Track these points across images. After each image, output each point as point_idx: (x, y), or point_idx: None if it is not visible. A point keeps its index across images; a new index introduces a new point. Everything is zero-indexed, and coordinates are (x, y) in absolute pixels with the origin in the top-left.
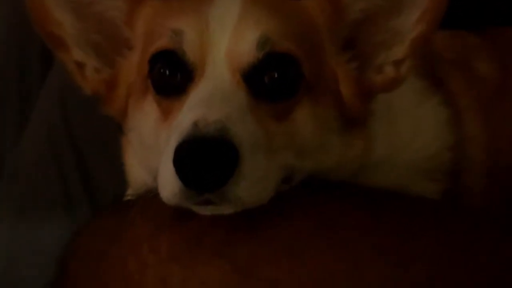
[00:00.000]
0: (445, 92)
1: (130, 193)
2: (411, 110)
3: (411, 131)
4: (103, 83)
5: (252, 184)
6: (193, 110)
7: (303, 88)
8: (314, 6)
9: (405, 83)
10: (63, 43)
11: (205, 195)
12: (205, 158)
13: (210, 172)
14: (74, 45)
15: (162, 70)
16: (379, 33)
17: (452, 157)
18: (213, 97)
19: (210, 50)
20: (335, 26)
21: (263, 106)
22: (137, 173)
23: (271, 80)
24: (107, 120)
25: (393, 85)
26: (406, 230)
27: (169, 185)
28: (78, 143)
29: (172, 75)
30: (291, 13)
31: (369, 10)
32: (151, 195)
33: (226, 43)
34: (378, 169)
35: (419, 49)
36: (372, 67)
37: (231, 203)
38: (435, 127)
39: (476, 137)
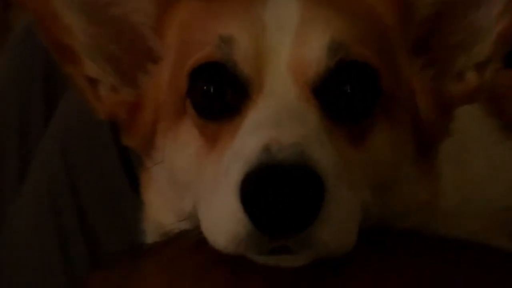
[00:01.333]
0: None
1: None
2: (486, 152)
3: (486, 177)
4: (122, 105)
5: (339, 225)
6: (259, 132)
7: (380, 105)
8: (380, 1)
9: (478, 121)
10: (73, 54)
11: (282, 240)
12: (284, 191)
13: (291, 210)
14: (86, 56)
15: (206, 87)
16: (456, 32)
17: None
18: (281, 116)
19: (269, 59)
20: (406, 25)
21: (338, 128)
22: (160, 216)
23: (346, 95)
24: (111, 170)
25: (476, 95)
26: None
27: (228, 229)
28: (79, 195)
29: (219, 92)
30: (360, 13)
31: (443, 3)
32: (166, 239)
33: (289, 50)
34: (448, 221)
35: (506, 47)
36: (450, 74)
37: (313, 250)
38: (510, 174)
39: None
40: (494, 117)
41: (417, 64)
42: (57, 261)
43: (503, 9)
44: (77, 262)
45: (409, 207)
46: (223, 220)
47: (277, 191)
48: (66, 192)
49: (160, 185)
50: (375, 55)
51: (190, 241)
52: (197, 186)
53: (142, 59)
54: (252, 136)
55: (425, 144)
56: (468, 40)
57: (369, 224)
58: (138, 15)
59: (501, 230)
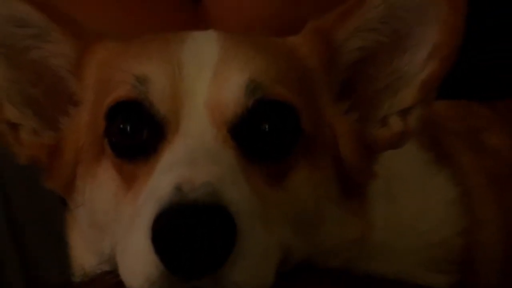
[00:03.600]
0: (453, 167)
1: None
2: (415, 188)
3: (414, 212)
4: (43, 149)
5: (253, 265)
6: (172, 171)
7: (300, 145)
8: (303, 44)
9: (408, 155)
10: None
11: (194, 282)
12: (195, 231)
13: (202, 250)
14: (5, 100)
15: (122, 126)
16: (382, 77)
17: (463, 244)
18: (195, 156)
19: (185, 99)
20: (329, 68)
21: (255, 168)
22: (83, 258)
23: (263, 135)
24: (50, 195)
25: (400, 141)
26: None
27: (141, 271)
28: (16, 220)
29: (136, 132)
30: (280, 53)
31: (368, 48)
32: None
33: (206, 90)
34: (377, 256)
35: (430, 94)
36: (374, 119)
37: None
38: (442, 207)
39: (490, 221)
40: (427, 149)
41: (341, 107)
42: None
43: (427, 56)
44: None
45: (337, 246)
46: (136, 261)
47: (188, 231)
48: (3, 219)
49: (82, 227)
50: (295, 95)
51: (109, 283)
52: (115, 228)
53: (63, 102)
54: (165, 176)
55: (351, 184)
56: (393, 85)
57: (293, 264)
58: (57, 59)
59: (430, 266)
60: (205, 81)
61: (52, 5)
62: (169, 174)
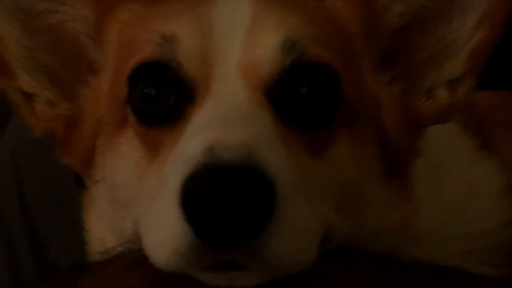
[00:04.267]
0: (498, 156)
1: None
2: (461, 173)
3: (461, 199)
4: (59, 121)
5: (294, 237)
6: (203, 134)
7: (342, 114)
8: (343, 7)
9: (455, 139)
10: (5, 67)
11: (227, 253)
12: (229, 194)
13: (237, 215)
14: (20, 69)
15: (146, 90)
16: (427, 46)
17: None
18: (228, 118)
19: (216, 59)
20: (371, 34)
21: (293, 134)
22: (102, 240)
23: (301, 99)
24: (61, 177)
25: (447, 114)
26: None
27: (169, 243)
28: (29, 210)
29: (162, 96)
30: (318, 14)
31: (412, 13)
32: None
33: (238, 49)
34: (422, 245)
35: (480, 63)
36: (420, 90)
37: (264, 265)
38: (490, 196)
39: None
40: (471, 136)
41: (384, 78)
42: (3, 268)
43: (477, 23)
44: (24, 270)
45: (379, 230)
46: (163, 232)
47: (221, 194)
48: (16, 205)
49: (101, 206)
50: (335, 58)
51: (128, 261)
52: (139, 202)
53: (81, 70)
54: (195, 138)
55: (395, 163)
56: (440, 55)
57: (334, 244)
58: (75, 24)
59: (479, 258)
60: (237, 39)
61: None
62: (199, 136)
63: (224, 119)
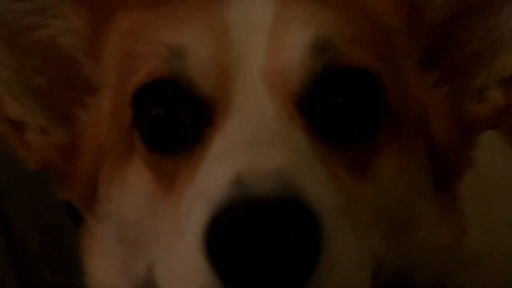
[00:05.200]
0: None
1: None
2: (510, 187)
3: None
4: (55, 150)
5: (345, 280)
6: (228, 161)
7: (386, 124)
8: (382, 0)
9: (500, 149)
10: None
11: None
12: (266, 236)
13: (277, 263)
14: (7, 94)
15: (155, 112)
16: (476, 40)
17: None
18: (256, 139)
19: (235, 71)
20: (412, 29)
21: (332, 152)
22: (108, 284)
23: (339, 109)
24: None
25: (502, 118)
26: None
27: None
28: (13, 231)
29: (173, 117)
30: (353, 8)
31: (457, 3)
32: None
33: (261, 56)
34: (474, 268)
35: None
36: (469, 92)
37: None
38: None
39: None
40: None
41: (429, 79)
42: None
43: None
44: None
45: (428, 253)
46: (185, 282)
47: (256, 238)
48: None
49: (106, 246)
50: (375, 59)
51: None
52: (152, 241)
53: (77, 91)
54: (218, 167)
55: (443, 176)
56: (490, 50)
57: (385, 277)
58: (67, 38)
59: None
60: (259, 44)
61: None
62: (223, 165)
63: (251, 141)
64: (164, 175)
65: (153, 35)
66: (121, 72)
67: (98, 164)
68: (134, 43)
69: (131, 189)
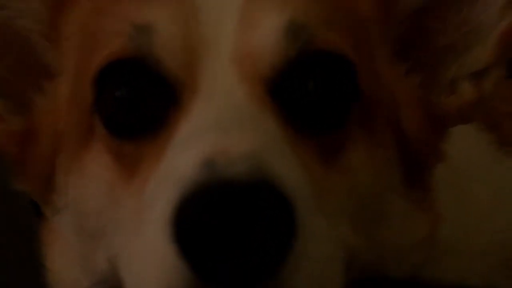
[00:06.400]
0: None
1: None
2: (484, 175)
3: (488, 205)
4: (11, 137)
5: (318, 268)
6: (196, 143)
7: (358, 112)
8: None
9: (471, 137)
10: None
11: None
12: (238, 220)
13: (251, 249)
14: None
15: (118, 94)
16: (448, 31)
17: None
18: (226, 121)
19: (204, 51)
20: (385, 17)
21: (302, 138)
22: (67, 280)
23: (311, 95)
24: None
25: (472, 111)
26: None
27: (159, 282)
28: None
29: (137, 100)
30: None
31: None
32: None
33: (231, 37)
34: (448, 260)
35: (509, 51)
36: (440, 84)
37: None
38: None
39: None
40: (489, 132)
41: (401, 69)
42: None
43: (507, 2)
44: None
45: (402, 247)
46: (151, 271)
47: (228, 222)
48: None
49: (65, 239)
50: (349, 45)
51: None
52: (114, 232)
53: (34, 76)
54: (186, 150)
55: (415, 169)
56: (463, 41)
57: (358, 270)
58: (25, 20)
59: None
60: (229, 24)
61: None
62: (191, 147)
63: (220, 124)
64: (127, 161)
65: (117, 13)
66: (82, 54)
67: (55, 153)
68: (96, 22)
69: (90, 177)
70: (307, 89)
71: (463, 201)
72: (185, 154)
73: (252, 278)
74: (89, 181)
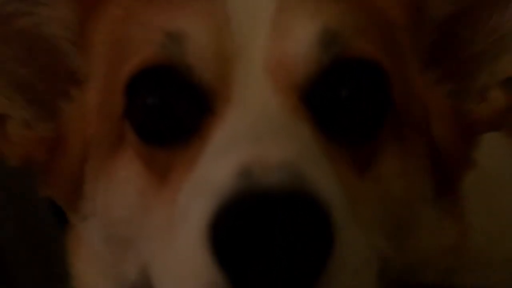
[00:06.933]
0: None
1: None
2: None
3: None
4: (39, 145)
5: (354, 278)
6: (231, 152)
7: (390, 122)
8: None
9: (501, 146)
10: None
11: None
12: (277, 231)
13: (288, 259)
14: None
15: (150, 101)
16: (478, 38)
17: None
18: (260, 130)
19: (236, 60)
20: (416, 26)
21: (336, 148)
22: (96, 286)
23: (346, 105)
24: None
25: (503, 119)
26: None
27: None
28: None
29: (169, 107)
30: (359, 2)
31: (462, 2)
32: None
33: (263, 45)
34: (474, 266)
35: None
36: (471, 92)
37: None
38: None
39: None
40: None
41: (431, 77)
42: None
43: None
44: None
45: (431, 254)
46: (186, 279)
47: (265, 232)
48: None
49: (93, 247)
50: (382, 54)
51: None
52: (145, 241)
53: (62, 82)
54: (222, 159)
55: (445, 177)
56: (493, 49)
57: (389, 278)
58: (53, 27)
59: None
60: (261, 33)
61: None
62: (227, 156)
63: (255, 132)
64: (158, 169)
65: (148, 20)
66: (111, 61)
67: (84, 159)
68: (126, 30)
69: (120, 184)
70: (340, 98)
71: (492, 210)
72: (220, 162)
73: (295, 283)
74: (119, 188)
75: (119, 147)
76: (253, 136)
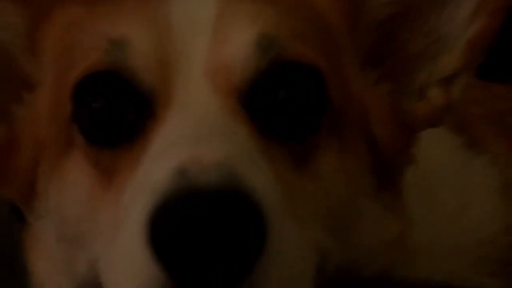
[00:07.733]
0: (489, 153)
1: None
2: (453, 177)
3: (456, 206)
4: None
5: (288, 272)
6: (170, 153)
7: (328, 121)
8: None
9: (440, 139)
10: None
11: None
12: (211, 227)
13: (222, 253)
14: None
15: (95, 105)
16: (416, 39)
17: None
18: (199, 132)
19: (177, 64)
20: (354, 27)
21: (274, 147)
22: (50, 284)
23: (282, 105)
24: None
25: (441, 116)
26: None
27: (134, 286)
28: None
29: (114, 110)
30: (295, 6)
31: (400, 2)
32: None
33: (203, 51)
34: (418, 261)
35: (476, 58)
36: (410, 91)
37: None
38: (488, 199)
39: None
40: (456, 133)
41: (370, 77)
42: None
43: (474, 10)
44: None
45: (374, 248)
46: (129, 276)
47: (201, 228)
48: None
49: (47, 245)
50: (318, 56)
51: None
52: (93, 238)
53: (14, 87)
54: (161, 160)
55: (386, 173)
56: (431, 49)
57: (330, 272)
58: (3, 33)
59: (477, 268)
60: (201, 39)
61: None
62: (166, 157)
63: (194, 134)
64: (104, 169)
65: (93, 28)
66: (60, 67)
67: (37, 161)
68: (73, 37)
69: (70, 184)
70: (277, 99)
71: (432, 203)
72: (159, 163)
73: (224, 281)
74: (69, 188)
75: (69, 150)
76: (191, 138)
